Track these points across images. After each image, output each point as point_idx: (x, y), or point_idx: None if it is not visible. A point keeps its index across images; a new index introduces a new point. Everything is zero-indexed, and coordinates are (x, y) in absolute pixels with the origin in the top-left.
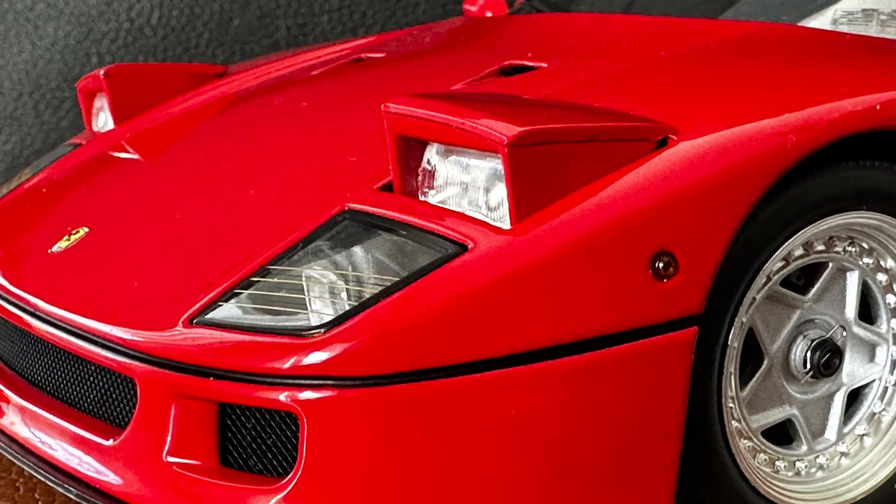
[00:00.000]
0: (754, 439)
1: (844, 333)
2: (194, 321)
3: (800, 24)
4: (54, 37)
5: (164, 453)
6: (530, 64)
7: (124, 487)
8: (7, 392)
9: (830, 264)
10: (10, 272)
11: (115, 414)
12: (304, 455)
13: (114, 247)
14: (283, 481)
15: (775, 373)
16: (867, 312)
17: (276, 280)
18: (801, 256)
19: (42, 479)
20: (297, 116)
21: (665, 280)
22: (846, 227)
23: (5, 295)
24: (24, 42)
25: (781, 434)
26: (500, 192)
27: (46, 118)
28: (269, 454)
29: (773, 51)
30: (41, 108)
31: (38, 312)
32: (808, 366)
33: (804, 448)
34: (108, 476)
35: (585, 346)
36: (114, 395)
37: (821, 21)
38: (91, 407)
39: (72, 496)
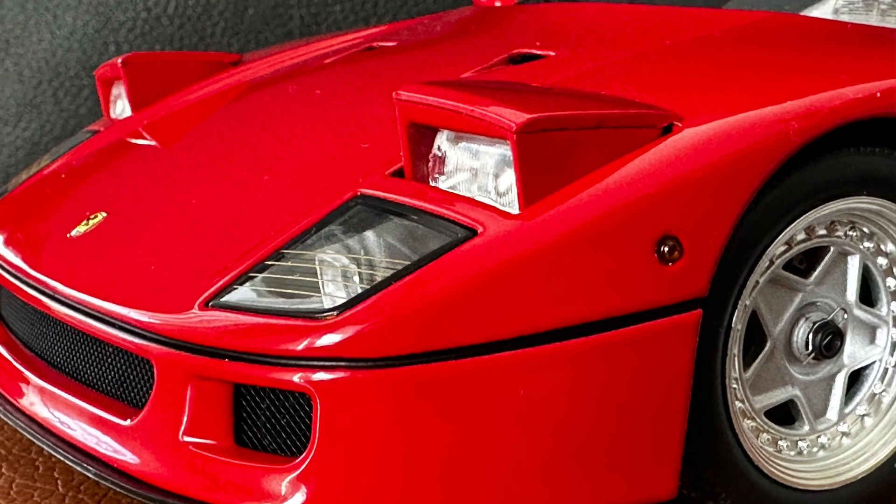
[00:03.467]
0: (757, 419)
1: (846, 316)
2: (210, 304)
3: (802, 13)
4: (73, 26)
5: (181, 433)
6: (538, 52)
7: (141, 466)
8: (26, 373)
9: (832, 248)
10: (30, 256)
11: (132, 394)
12: (317, 435)
13: (131, 231)
14: (297, 460)
15: (778, 354)
16: (868, 295)
17: (290, 264)
18: (803, 241)
19: (61, 458)
20: (310, 104)
21: (670, 264)
22: (847, 212)
23: (25, 278)
24: (44, 31)
25: (784, 414)
26: (509, 178)
27: (65, 105)
28: (283, 434)
29: (775, 40)
30: (60, 96)
31: (57, 295)
32: (810, 348)
33: (806, 428)
34: (125, 455)
35: (592, 328)
36: (131, 377)
37: (822, 10)
38: (109, 388)
39: (90, 475)
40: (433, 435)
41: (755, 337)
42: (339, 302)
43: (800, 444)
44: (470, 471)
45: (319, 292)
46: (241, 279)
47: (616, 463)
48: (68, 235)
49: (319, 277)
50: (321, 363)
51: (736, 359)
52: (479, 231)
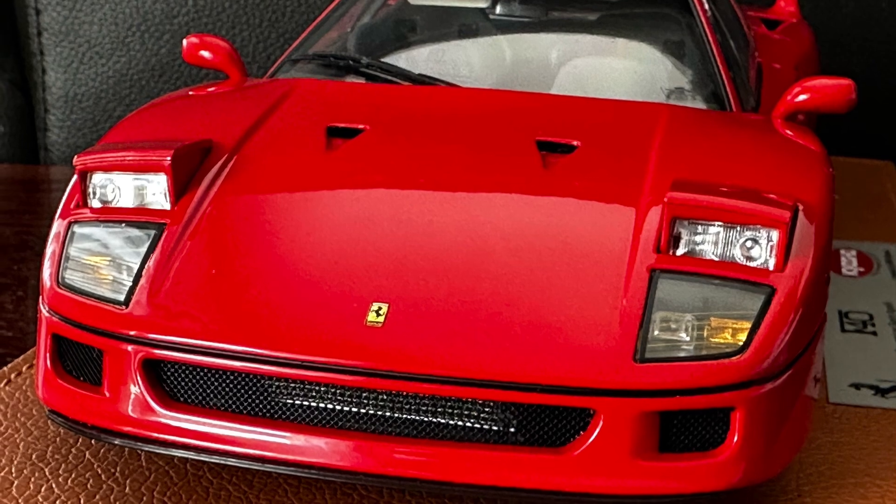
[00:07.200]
0: None
1: None
2: (639, 359)
3: None
4: None
5: (629, 454)
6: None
7: (594, 485)
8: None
9: None
10: (341, 350)
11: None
12: (737, 434)
13: (443, 309)
14: (719, 450)
15: None
16: None
17: (669, 324)
18: None
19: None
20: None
21: None
22: None
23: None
24: None
25: None
26: (762, 251)
27: (149, 46)
28: (696, 440)
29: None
30: (146, 38)
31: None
32: None
33: None
34: (566, 480)
35: None
36: (538, 424)
37: None
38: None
39: None
40: None
41: None
42: (741, 345)
43: None
44: None
45: (710, 340)
46: (645, 339)
47: None
48: (366, 324)
49: (703, 331)
50: (741, 386)
51: None
52: (776, 287)
